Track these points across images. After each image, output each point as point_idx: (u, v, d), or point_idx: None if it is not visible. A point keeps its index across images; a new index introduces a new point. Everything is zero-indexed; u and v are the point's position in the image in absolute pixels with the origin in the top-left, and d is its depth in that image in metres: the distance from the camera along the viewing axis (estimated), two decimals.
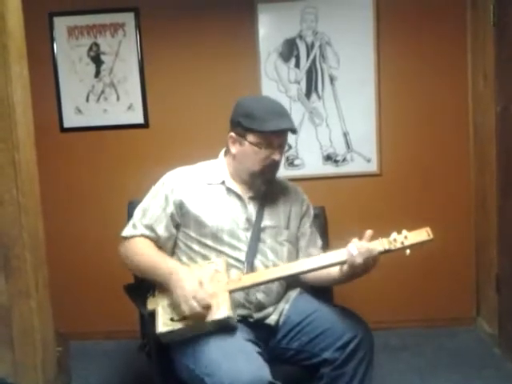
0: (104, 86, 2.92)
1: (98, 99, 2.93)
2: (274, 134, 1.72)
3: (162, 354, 1.70)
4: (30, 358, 1.45)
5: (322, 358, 1.67)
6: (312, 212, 1.95)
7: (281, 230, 1.83)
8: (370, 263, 1.57)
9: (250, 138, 1.73)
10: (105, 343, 2.94)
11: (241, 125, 1.74)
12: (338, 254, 1.62)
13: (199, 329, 1.59)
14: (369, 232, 1.59)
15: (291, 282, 1.85)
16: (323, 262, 1.65)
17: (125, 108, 2.94)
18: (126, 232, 1.80)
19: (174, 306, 1.62)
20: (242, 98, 1.85)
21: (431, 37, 2.86)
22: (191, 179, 1.81)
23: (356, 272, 1.60)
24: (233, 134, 1.78)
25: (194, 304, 1.54)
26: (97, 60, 2.91)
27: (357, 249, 1.56)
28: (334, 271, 1.68)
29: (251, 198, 1.81)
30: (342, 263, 1.62)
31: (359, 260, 1.56)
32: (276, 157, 1.74)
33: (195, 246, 1.76)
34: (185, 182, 1.80)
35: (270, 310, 1.76)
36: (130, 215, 1.94)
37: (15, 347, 1.44)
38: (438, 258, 2.85)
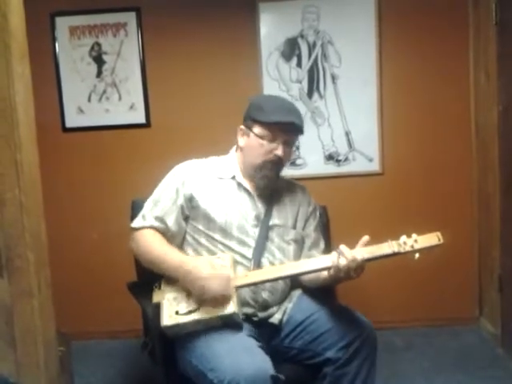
0: (106, 86, 2.92)
1: (100, 99, 2.93)
2: (278, 128, 1.72)
3: (165, 350, 1.70)
4: (32, 357, 1.45)
5: (325, 357, 1.67)
6: (318, 214, 1.95)
7: (288, 229, 1.83)
8: (354, 270, 1.56)
9: (256, 129, 1.74)
10: (107, 343, 2.94)
11: (250, 117, 1.77)
12: (324, 260, 1.64)
13: (204, 323, 1.60)
14: (365, 238, 1.58)
15: (294, 281, 1.85)
16: (310, 267, 1.66)
17: (127, 108, 2.94)
18: (136, 223, 1.81)
19: (183, 298, 1.63)
20: (257, 94, 1.91)
21: (433, 35, 2.86)
22: (202, 172, 1.82)
23: (340, 277, 1.60)
24: (242, 126, 1.80)
25: (214, 286, 1.56)
26: (98, 60, 2.91)
27: (341, 256, 1.56)
28: (323, 274, 1.69)
29: (260, 196, 1.82)
30: (328, 268, 1.62)
31: (343, 267, 1.56)
32: (278, 152, 1.73)
33: (202, 240, 1.76)
34: (196, 175, 1.81)
35: (274, 309, 1.76)
36: (133, 214, 1.95)
37: (17, 347, 1.44)
38: (441, 258, 2.83)
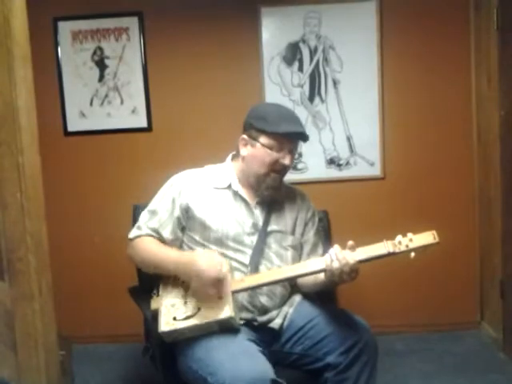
0: (108, 90, 2.93)
1: (102, 103, 2.94)
2: (286, 138, 1.72)
3: (166, 356, 1.70)
4: (33, 361, 1.45)
5: (325, 363, 1.66)
6: (317, 220, 1.95)
7: (286, 235, 1.83)
8: (348, 274, 1.56)
9: (263, 139, 1.74)
10: (108, 347, 2.94)
11: (253, 127, 1.75)
12: (318, 262, 1.64)
13: (201, 329, 1.60)
14: (350, 243, 1.58)
15: (294, 286, 1.86)
16: (305, 270, 1.67)
17: (128, 112, 2.94)
18: (132, 234, 1.82)
19: (180, 304, 1.65)
20: (256, 104, 1.91)
21: (435, 40, 2.87)
22: (198, 183, 1.82)
23: (334, 280, 1.60)
24: (245, 136, 1.79)
25: (215, 270, 1.57)
26: (101, 64, 2.92)
27: (334, 258, 1.57)
28: (320, 278, 1.69)
29: (258, 203, 1.82)
30: (322, 271, 1.63)
31: (336, 270, 1.56)
32: (285, 161, 1.74)
33: (199, 249, 1.76)
34: (192, 185, 1.81)
35: (274, 313, 1.76)
36: (134, 218, 1.96)
37: (18, 350, 1.44)
38: (443, 263, 2.84)
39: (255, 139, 1.75)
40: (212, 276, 1.58)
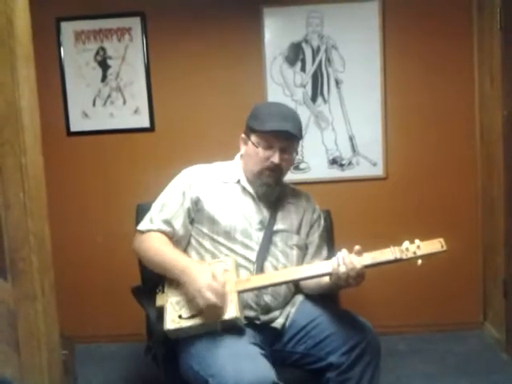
0: (110, 90, 2.93)
1: (105, 103, 2.95)
2: (272, 136, 1.73)
3: (168, 354, 1.70)
4: (36, 360, 1.45)
5: (327, 362, 1.66)
6: (322, 222, 1.95)
7: (292, 234, 1.84)
8: (354, 278, 1.56)
9: (253, 137, 1.77)
10: (110, 346, 2.94)
11: (248, 125, 1.80)
12: (324, 266, 1.63)
13: (207, 328, 1.60)
14: (356, 248, 1.58)
15: (297, 286, 1.86)
16: (311, 273, 1.66)
17: (131, 112, 2.95)
18: (143, 226, 1.82)
19: (185, 302, 1.64)
20: (259, 103, 1.94)
21: (437, 40, 2.86)
22: (208, 177, 1.84)
23: (340, 284, 1.60)
24: (242, 134, 1.83)
25: (209, 295, 1.55)
26: (103, 64, 2.93)
27: (341, 262, 1.56)
28: (324, 281, 1.69)
29: (264, 201, 1.83)
30: (328, 274, 1.62)
31: (342, 274, 1.56)
32: (274, 159, 1.73)
33: (207, 243, 1.77)
34: (202, 178, 1.83)
35: (277, 313, 1.76)
36: (138, 218, 1.96)
37: (21, 350, 1.44)
38: (446, 263, 2.81)
39: (248, 137, 1.79)
40: (208, 299, 1.56)
